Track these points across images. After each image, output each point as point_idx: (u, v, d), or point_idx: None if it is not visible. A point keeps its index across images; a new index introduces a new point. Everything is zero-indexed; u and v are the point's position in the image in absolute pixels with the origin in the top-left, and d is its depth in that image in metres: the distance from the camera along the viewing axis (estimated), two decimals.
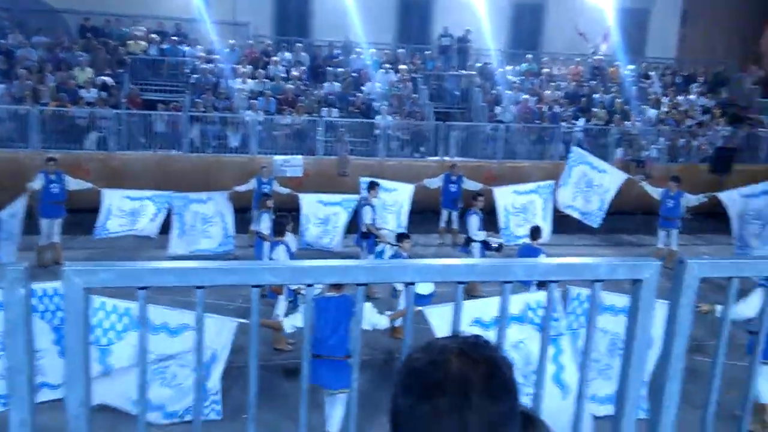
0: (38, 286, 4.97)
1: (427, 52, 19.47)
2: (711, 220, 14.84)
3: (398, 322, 6.25)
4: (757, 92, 19.93)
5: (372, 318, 5.56)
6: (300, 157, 15.24)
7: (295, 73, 17.67)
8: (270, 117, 15.87)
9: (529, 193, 11.81)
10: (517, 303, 5.14)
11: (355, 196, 11.32)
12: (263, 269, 1.55)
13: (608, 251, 13.44)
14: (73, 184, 10.94)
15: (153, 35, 17.66)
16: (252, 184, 12.16)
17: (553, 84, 19.13)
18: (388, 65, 18.47)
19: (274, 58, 18.08)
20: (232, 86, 16.83)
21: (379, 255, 9.54)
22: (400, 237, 8.35)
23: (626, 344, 1.73)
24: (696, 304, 5.44)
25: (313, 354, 5.46)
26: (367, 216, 10.01)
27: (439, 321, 5.26)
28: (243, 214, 12.21)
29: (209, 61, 17.49)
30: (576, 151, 12.56)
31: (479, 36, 19.74)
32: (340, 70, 18.17)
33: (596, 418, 5.10)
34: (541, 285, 5.67)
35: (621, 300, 5.23)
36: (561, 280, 1.74)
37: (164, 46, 17.60)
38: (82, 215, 11.20)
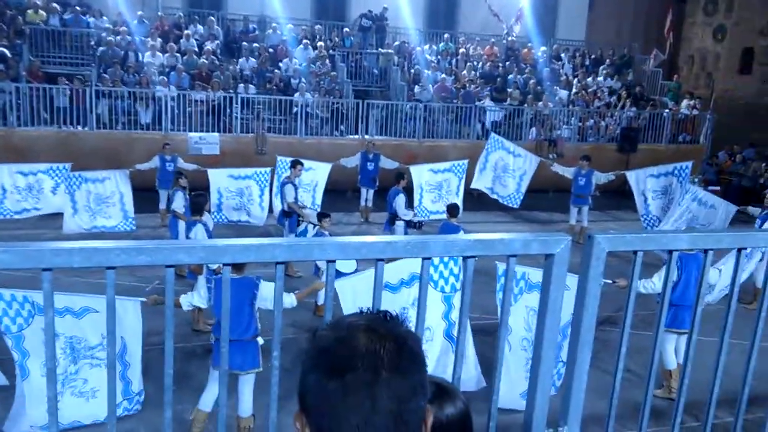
0: None
1: (345, 30, 19.30)
2: (617, 197, 15.61)
3: (321, 300, 6.22)
4: (659, 75, 20.99)
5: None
6: (216, 134, 14.86)
7: (209, 47, 17.11)
8: (183, 92, 15.33)
9: (444, 172, 12.08)
10: (418, 263, 5.23)
11: (268, 169, 11.30)
12: (177, 248, 1.49)
13: (523, 228, 13.89)
14: None
15: (54, 4, 16.63)
16: (155, 162, 11.79)
17: (469, 64, 19.42)
18: (305, 41, 18.20)
19: (186, 32, 17.44)
20: (142, 60, 16.13)
21: (302, 234, 9.48)
22: (320, 216, 8.39)
23: (539, 317, 1.79)
24: (613, 280, 5.72)
25: (217, 337, 5.37)
26: (289, 195, 9.90)
27: (348, 293, 5.33)
28: (145, 193, 11.81)
29: (116, 33, 16.67)
30: (494, 138, 12.94)
31: (396, 14, 19.75)
32: (255, 45, 17.76)
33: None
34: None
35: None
36: (477, 256, 1.77)
37: (66, 16, 16.61)
38: None
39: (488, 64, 19.73)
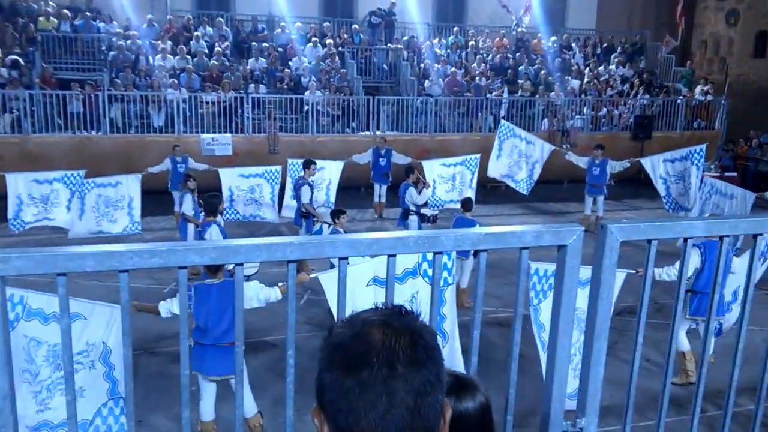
0: None
1: (354, 26, 19.28)
2: (633, 186, 15.48)
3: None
4: (672, 62, 20.75)
5: (261, 294, 5.35)
6: (228, 135, 14.91)
7: (218, 48, 17.17)
8: (194, 94, 15.41)
9: (456, 165, 12.05)
10: (413, 258, 5.16)
11: (278, 167, 11.32)
12: (188, 250, 1.50)
13: (537, 219, 13.84)
14: None
15: (64, 11, 16.76)
16: (166, 165, 11.84)
17: (479, 56, 19.33)
18: (314, 39, 18.20)
19: (196, 34, 17.52)
20: (153, 63, 16.22)
21: (318, 233, 9.51)
22: (335, 214, 8.37)
23: (553, 308, 1.78)
24: (636, 270, 5.66)
25: (198, 342, 5.25)
26: (305, 195, 9.92)
27: (333, 288, 5.01)
28: (160, 195, 11.87)
29: (126, 38, 16.77)
30: (504, 125, 12.87)
31: (404, 9, 19.69)
32: (265, 45, 17.79)
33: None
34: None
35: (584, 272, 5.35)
36: (490, 249, 1.76)
37: (77, 22, 16.74)
38: None
39: (498, 56, 19.63)
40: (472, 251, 5.85)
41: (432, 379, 1.03)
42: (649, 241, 1.85)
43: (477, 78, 18.15)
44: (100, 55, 16.47)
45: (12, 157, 13.11)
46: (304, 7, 19.21)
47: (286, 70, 17.02)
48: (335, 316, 5.30)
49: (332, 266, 8.20)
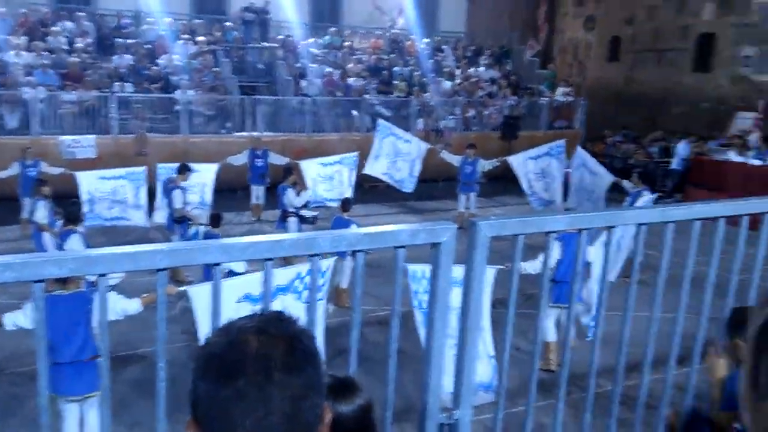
0: None
1: (226, 24, 18.80)
2: (503, 183, 16.24)
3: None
4: (535, 65, 21.99)
5: (117, 306, 5.05)
6: (92, 136, 14.03)
7: (79, 44, 16.12)
8: (53, 93, 14.35)
9: (334, 164, 12.09)
10: (288, 274, 5.03)
11: (142, 168, 10.80)
12: (45, 261, 1.39)
13: (414, 218, 14.16)
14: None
15: None
16: (15, 169, 11.04)
17: (355, 57, 19.49)
18: (185, 36, 17.55)
19: (54, 29, 16.34)
20: (6, 59, 14.96)
21: (194, 237, 9.18)
22: (214, 219, 8.21)
23: (429, 305, 1.83)
24: (505, 264, 5.90)
25: (54, 362, 4.73)
26: (177, 200, 9.54)
27: (202, 302, 4.81)
28: (11, 203, 11.01)
29: None
30: (382, 124, 13.08)
31: (279, 8, 19.47)
32: (131, 41, 16.92)
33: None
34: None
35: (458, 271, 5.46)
36: (367, 250, 1.78)
37: None
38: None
39: (373, 57, 19.89)
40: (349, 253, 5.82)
41: (311, 383, 1.03)
42: (516, 236, 1.94)
43: (353, 78, 18.29)
44: None
45: None
46: (173, 2, 18.46)
47: (154, 67, 16.28)
48: (198, 333, 5.04)
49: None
